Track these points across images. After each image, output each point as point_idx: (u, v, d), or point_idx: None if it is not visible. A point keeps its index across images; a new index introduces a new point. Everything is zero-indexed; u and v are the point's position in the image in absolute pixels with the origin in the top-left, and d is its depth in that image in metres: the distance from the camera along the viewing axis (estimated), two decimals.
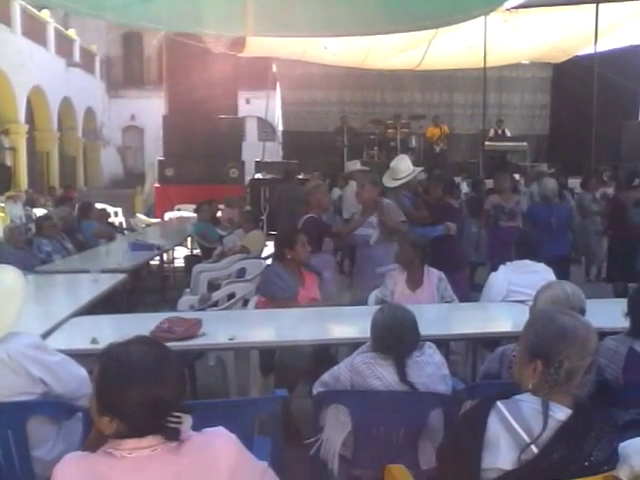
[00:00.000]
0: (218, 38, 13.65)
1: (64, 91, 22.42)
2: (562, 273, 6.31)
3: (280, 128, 18.85)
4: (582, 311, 2.95)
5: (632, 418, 2.90)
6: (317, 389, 3.10)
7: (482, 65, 13.69)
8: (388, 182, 6.47)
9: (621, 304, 3.22)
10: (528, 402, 2.01)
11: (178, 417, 1.76)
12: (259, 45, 13.95)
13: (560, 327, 2.06)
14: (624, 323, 3.15)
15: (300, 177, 11.17)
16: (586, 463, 1.91)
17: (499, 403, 2.01)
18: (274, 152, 18.31)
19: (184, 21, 10.20)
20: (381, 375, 2.92)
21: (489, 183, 10.28)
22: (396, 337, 2.97)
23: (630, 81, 14.36)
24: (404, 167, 6.42)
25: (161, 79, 17.55)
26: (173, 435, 1.75)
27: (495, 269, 4.94)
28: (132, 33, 26.76)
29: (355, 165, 11.05)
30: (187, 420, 1.78)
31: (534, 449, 1.92)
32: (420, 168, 7.12)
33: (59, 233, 7.72)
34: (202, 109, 14.15)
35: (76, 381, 2.80)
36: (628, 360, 3.00)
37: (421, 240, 4.87)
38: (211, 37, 13.26)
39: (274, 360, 4.22)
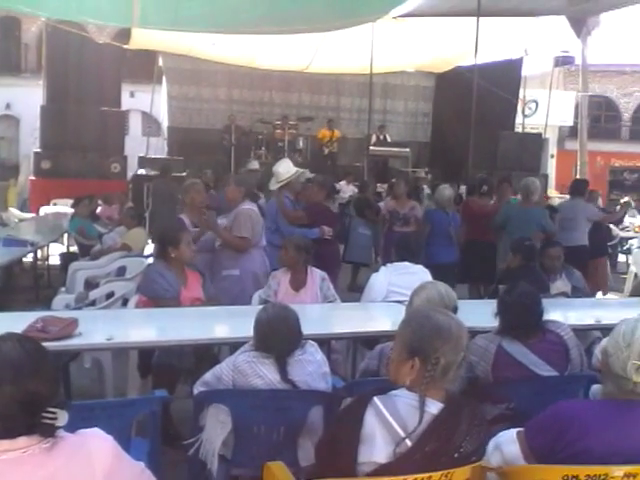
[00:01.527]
0: (102, 28, 13.18)
1: None
2: (451, 278, 6.60)
3: (165, 124, 18.44)
4: (454, 309, 3.10)
5: (500, 412, 3.07)
6: (198, 389, 3.07)
7: (368, 71, 13.99)
8: (272, 185, 6.63)
9: (491, 305, 3.40)
10: (404, 397, 2.08)
11: (53, 413, 1.70)
12: (145, 38, 13.60)
13: (435, 325, 2.15)
14: (494, 322, 3.33)
15: (182, 174, 10.90)
16: (456, 454, 2.00)
17: (376, 399, 2.07)
18: (159, 148, 17.87)
19: (67, 9, 9.79)
20: (263, 374, 2.93)
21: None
22: (279, 336, 2.99)
23: (507, 93, 15.11)
24: (283, 170, 6.53)
25: (40, 67, 16.72)
26: (48, 431, 1.70)
27: None
28: (9, 18, 25.26)
29: (254, 165, 11.00)
30: (62, 416, 1.72)
31: (408, 443, 2.00)
32: (302, 170, 7.18)
33: None
34: (83, 100, 13.61)
35: None
36: (497, 358, 3.17)
37: (305, 242, 4.94)
38: (95, 27, 12.79)
39: (153, 361, 4.13)
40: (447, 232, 7.33)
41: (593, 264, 7.58)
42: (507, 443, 2.27)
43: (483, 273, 7.48)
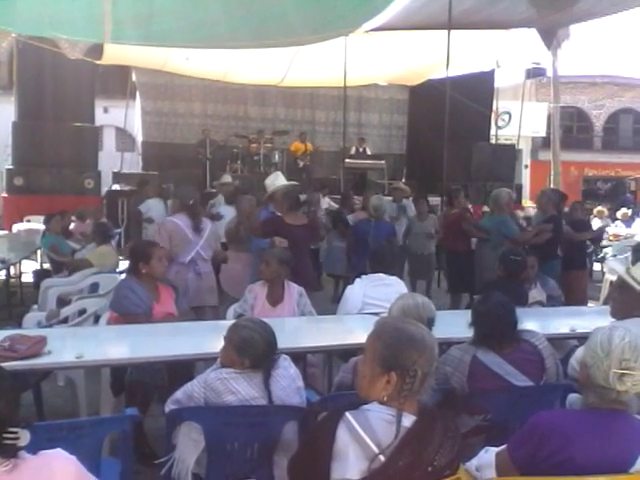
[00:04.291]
0: (74, 44, 13.08)
1: None
2: None
3: (140, 139, 18.34)
4: (431, 320, 3.08)
5: (476, 424, 3.05)
6: (169, 407, 3.00)
7: (342, 84, 14.03)
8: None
9: (466, 315, 3.38)
10: (376, 412, 2.03)
11: (14, 433, 1.65)
12: (118, 53, 13.52)
13: (409, 337, 2.09)
14: (468, 333, 3.31)
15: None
16: (429, 468, 1.96)
17: (348, 414, 2.02)
18: (133, 163, 17.76)
19: (39, 25, 9.70)
20: (236, 390, 2.87)
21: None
22: (270, 349, 2.96)
23: (480, 105, 15.23)
24: (269, 182, 6.62)
25: (12, 83, 16.56)
26: (9, 452, 1.65)
27: None
28: None
29: (226, 179, 10.94)
30: (24, 435, 1.68)
31: (382, 458, 1.96)
32: (293, 183, 7.13)
33: None
34: (56, 116, 13.50)
35: None
36: (472, 368, 3.14)
37: (287, 255, 4.87)
38: (67, 43, 12.69)
39: (125, 378, 4.06)
40: (365, 241, 7.41)
41: (569, 277, 7.62)
42: (485, 467, 2.25)
43: (455, 281, 7.89)
